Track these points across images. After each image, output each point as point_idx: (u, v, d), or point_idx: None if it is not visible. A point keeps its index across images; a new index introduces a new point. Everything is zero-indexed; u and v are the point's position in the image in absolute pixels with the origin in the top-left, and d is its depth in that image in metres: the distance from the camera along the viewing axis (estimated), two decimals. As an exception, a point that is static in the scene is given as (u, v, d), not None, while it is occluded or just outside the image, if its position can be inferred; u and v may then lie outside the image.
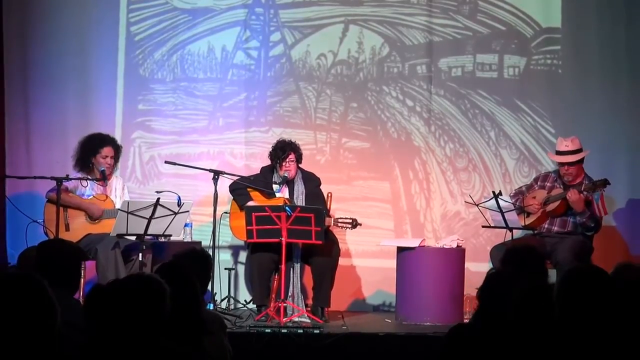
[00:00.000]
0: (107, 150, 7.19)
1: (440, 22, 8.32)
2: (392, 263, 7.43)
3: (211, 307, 7.04)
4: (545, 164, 8.13)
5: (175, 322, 3.22)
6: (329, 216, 7.26)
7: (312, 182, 7.48)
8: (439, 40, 8.33)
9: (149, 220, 6.73)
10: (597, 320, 3.21)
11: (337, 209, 7.75)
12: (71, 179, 7.05)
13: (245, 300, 7.76)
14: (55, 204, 6.84)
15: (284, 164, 7.35)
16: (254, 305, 7.36)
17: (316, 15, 8.41)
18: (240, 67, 8.41)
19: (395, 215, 8.30)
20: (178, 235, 7.17)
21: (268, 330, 6.40)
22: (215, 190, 7.20)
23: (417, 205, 8.30)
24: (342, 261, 7.47)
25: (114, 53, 8.40)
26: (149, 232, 6.81)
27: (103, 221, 7.08)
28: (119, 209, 6.84)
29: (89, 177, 7.15)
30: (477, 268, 7.74)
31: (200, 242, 7.42)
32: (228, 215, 7.55)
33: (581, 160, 7.27)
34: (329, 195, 7.62)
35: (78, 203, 7.11)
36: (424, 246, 7.36)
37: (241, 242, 7.87)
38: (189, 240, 7.47)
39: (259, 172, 7.57)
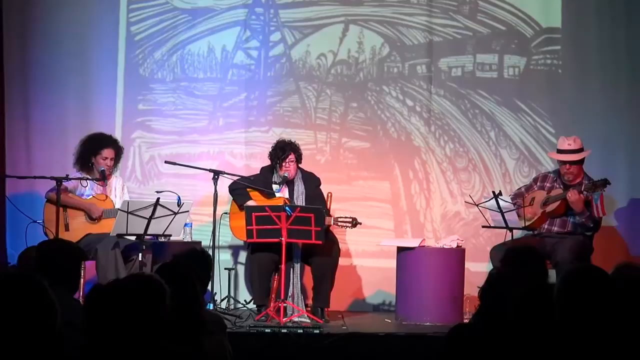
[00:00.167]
0: (107, 152, 7.19)
1: (441, 22, 8.33)
2: (392, 263, 7.43)
3: (211, 307, 7.04)
4: (545, 164, 8.14)
5: (175, 322, 3.22)
6: (329, 216, 7.26)
7: (312, 182, 7.48)
8: (439, 40, 8.33)
9: (149, 220, 6.73)
10: (597, 321, 3.21)
11: (337, 209, 7.74)
12: (71, 179, 7.05)
13: (245, 300, 7.76)
14: (54, 203, 6.84)
15: (283, 164, 7.35)
16: (254, 305, 7.37)
17: (316, 15, 8.41)
18: (240, 67, 8.41)
19: (395, 215, 8.30)
20: (178, 235, 7.17)
21: (268, 330, 6.41)
22: (215, 190, 7.21)
23: (417, 205, 8.30)
24: (342, 261, 7.47)
25: (114, 53, 8.40)
26: (149, 232, 6.81)
27: (103, 221, 7.08)
28: (118, 209, 6.84)
29: (89, 177, 7.15)
30: (477, 268, 7.75)
31: (200, 242, 7.42)
32: (228, 215, 7.55)
33: (582, 160, 7.27)
34: (329, 195, 7.62)
35: (77, 203, 7.11)
36: (424, 246, 7.36)
37: (241, 242, 7.87)
38: (189, 240, 7.47)
39: (259, 172, 7.57)
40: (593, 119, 8.15)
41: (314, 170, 7.64)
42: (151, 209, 6.72)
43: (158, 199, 6.76)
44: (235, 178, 7.46)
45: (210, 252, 6.88)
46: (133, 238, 6.96)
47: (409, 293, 7.22)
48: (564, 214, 7.25)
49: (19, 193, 7.95)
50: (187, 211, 6.96)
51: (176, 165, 7.59)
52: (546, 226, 7.33)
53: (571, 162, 7.23)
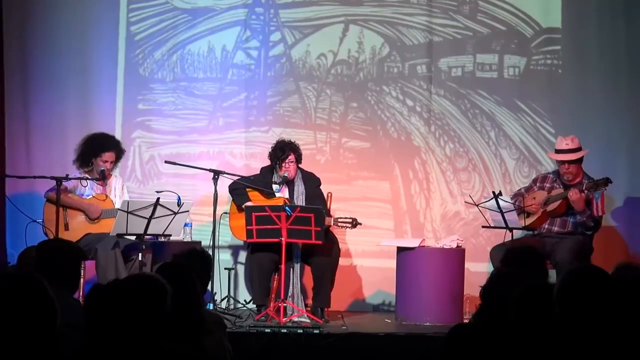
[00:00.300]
0: (107, 156, 7.18)
1: (441, 22, 8.32)
2: (392, 263, 7.42)
3: (211, 307, 7.04)
4: (545, 164, 8.14)
5: (175, 321, 3.22)
6: (329, 216, 7.26)
7: (312, 182, 7.48)
8: (439, 40, 8.33)
9: (149, 220, 6.73)
10: (597, 321, 3.21)
11: (337, 209, 7.74)
12: (71, 179, 7.05)
13: (245, 300, 7.76)
14: (54, 203, 6.84)
15: (283, 164, 7.35)
16: (254, 305, 7.36)
17: (316, 15, 8.41)
18: (240, 66, 8.41)
19: (395, 215, 8.30)
20: (178, 235, 7.17)
21: (268, 330, 6.41)
22: (215, 190, 7.20)
23: (417, 205, 8.30)
24: (342, 261, 7.47)
25: (114, 53, 8.40)
26: (149, 231, 6.82)
27: (103, 221, 7.09)
28: (118, 209, 6.85)
29: (89, 176, 7.15)
30: (477, 268, 7.75)
31: (200, 242, 7.42)
32: (228, 215, 7.55)
33: (581, 160, 7.27)
34: (329, 195, 7.62)
35: (76, 203, 7.11)
36: (424, 246, 7.36)
37: (241, 242, 7.87)
38: (189, 240, 7.47)
39: (258, 172, 7.57)
40: (593, 119, 8.14)
41: (314, 170, 7.64)
42: (151, 208, 6.73)
43: (158, 198, 6.76)
44: (235, 178, 7.46)
45: (210, 252, 6.88)
46: (133, 238, 6.96)
47: (408, 293, 7.22)
48: (565, 213, 7.25)
49: (18, 193, 7.95)
50: (187, 211, 6.96)
51: (176, 165, 7.59)
52: (546, 226, 7.33)
53: (569, 162, 7.23)
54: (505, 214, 7.10)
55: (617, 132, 8.15)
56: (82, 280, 6.52)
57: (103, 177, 7.16)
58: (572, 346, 3.20)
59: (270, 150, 7.46)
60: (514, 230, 7.13)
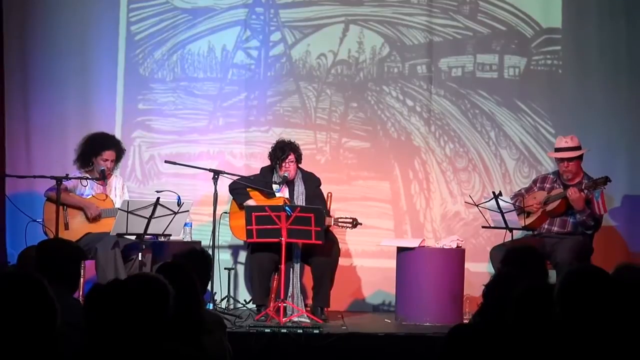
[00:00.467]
0: (108, 154, 7.18)
1: (441, 22, 8.32)
2: (392, 263, 7.42)
3: (211, 307, 7.04)
4: (545, 164, 8.14)
5: (176, 321, 3.22)
6: (329, 216, 7.26)
7: (312, 182, 7.48)
8: (439, 40, 8.33)
9: (149, 219, 6.73)
10: (598, 321, 3.21)
11: (337, 209, 7.74)
12: (71, 179, 7.05)
13: (244, 300, 7.76)
14: (54, 202, 6.84)
15: (283, 164, 7.35)
16: (254, 305, 7.36)
17: (316, 15, 8.40)
18: (240, 66, 8.41)
19: (395, 215, 8.30)
20: (178, 235, 7.17)
21: (268, 330, 6.41)
22: (215, 190, 7.20)
23: (417, 205, 8.30)
24: (342, 261, 7.47)
25: (114, 52, 8.40)
26: (149, 231, 6.82)
27: (102, 220, 7.08)
28: (118, 209, 6.84)
29: (89, 176, 7.15)
30: (477, 268, 7.75)
31: (199, 242, 7.42)
32: (228, 215, 7.55)
33: (580, 158, 7.28)
34: (329, 195, 7.62)
35: (75, 201, 7.11)
36: (424, 246, 7.36)
37: (241, 242, 7.87)
38: (189, 239, 7.47)
39: (258, 172, 7.57)
40: (593, 119, 8.14)
41: (314, 170, 7.64)
42: (151, 208, 6.73)
43: (158, 198, 6.76)
44: (235, 178, 7.46)
45: (210, 251, 6.88)
46: (133, 237, 6.96)
47: (408, 293, 7.22)
48: (565, 212, 7.25)
49: (18, 192, 7.95)
50: (187, 211, 6.96)
51: (176, 165, 7.60)
52: (546, 226, 7.33)
53: (569, 159, 7.24)
54: (505, 214, 7.10)
55: (617, 132, 8.15)
56: (82, 280, 6.52)
57: (103, 177, 7.16)
58: (572, 346, 3.20)
59: (270, 150, 7.46)
60: (514, 231, 7.12)
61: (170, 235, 6.99)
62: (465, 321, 6.71)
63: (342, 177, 8.29)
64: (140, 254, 6.81)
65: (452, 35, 8.33)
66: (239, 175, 7.53)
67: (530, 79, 8.29)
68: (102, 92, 8.33)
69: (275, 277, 7.17)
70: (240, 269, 8.10)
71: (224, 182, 7.45)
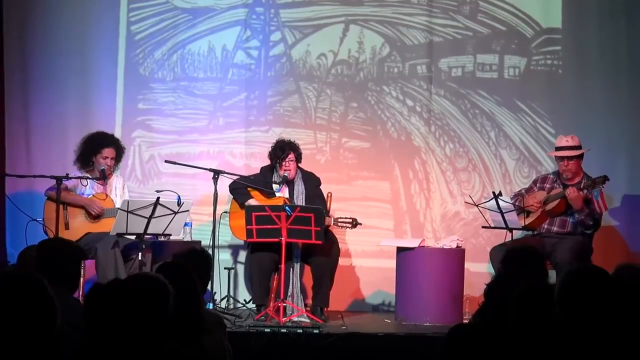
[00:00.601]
0: (107, 152, 7.19)
1: (441, 22, 8.32)
2: (392, 263, 7.42)
3: (211, 307, 7.04)
4: (545, 164, 8.14)
5: (175, 321, 3.22)
6: (329, 216, 7.26)
7: (312, 181, 7.48)
8: (440, 40, 8.33)
9: (149, 219, 6.73)
10: (598, 321, 3.21)
11: (337, 209, 7.74)
12: (71, 178, 7.05)
13: (244, 300, 7.76)
14: (54, 201, 6.84)
15: (283, 163, 7.35)
16: (254, 305, 7.37)
17: (316, 15, 8.41)
18: (240, 66, 8.41)
19: (395, 215, 8.30)
20: (178, 235, 7.17)
21: (267, 330, 6.40)
22: (215, 190, 7.20)
23: (417, 205, 8.30)
24: (341, 261, 7.47)
25: (114, 52, 8.40)
26: (149, 231, 6.82)
27: (103, 220, 7.08)
28: (118, 208, 6.85)
29: (89, 175, 7.15)
30: (477, 268, 7.75)
31: (199, 242, 7.42)
32: (228, 214, 7.55)
33: (581, 157, 7.28)
34: (329, 195, 7.62)
35: (77, 200, 7.11)
36: (424, 246, 7.36)
37: (241, 242, 7.87)
38: (189, 239, 7.47)
39: (258, 172, 7.57)
40: (593, 119, 8.14)
41: (314, 170, 7.64)
42: (151, 208, 6.73)
43: (158, 198, 6.76)
44: (235, 177, 7.46)
45: (210, 251, 6.88)
46: (133, 237, 6.96)
47: (408, 293, 7.22)
48: (564, 212, 7.25)
49: (18, 192, 7.95)
50: (187, 210, 6.96)
51: (176, 165, 7.60)
52: (546, 226, 7.34)
53: (569, 158, 7.24)
54: (505, 214, 7.10)
55: (617, 132, 8.15)
56: (82, 279, 6.52)
57: (103, 177, 7.16)
58: (573, 346, 3.20)
59: (270, 149, 7.46)
60: (513, 231, 7.12)
61: (170, 235, 6.99)
62: (465, 321, 6.71)
63: (342, 177, 8.29)
64: (140, 253, 6.81)
65: (452, 35, 8.33)
66: (239, 175, 7.53)
67: (530, 79, 8.29)
68: (102, 92, 8.33)
69: (275, 276, 7.18)
70: (240, 269, 8.10)
71: (224, 182, 7.46)
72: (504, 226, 7.10)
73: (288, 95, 8.40)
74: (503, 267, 4.70)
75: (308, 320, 6.89)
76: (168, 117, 8.39)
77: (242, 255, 8.05)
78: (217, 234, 7.28)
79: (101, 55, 8.35)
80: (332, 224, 7.20)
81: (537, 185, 7.49)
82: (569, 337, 3.21)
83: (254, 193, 7.40)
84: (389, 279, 7.64)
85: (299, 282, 7.15)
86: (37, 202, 7.44)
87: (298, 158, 7.42)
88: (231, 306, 7.63)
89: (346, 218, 7.19)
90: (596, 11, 8.21)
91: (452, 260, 7.23)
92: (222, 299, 7.59)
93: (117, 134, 7.86)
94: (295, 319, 6.87)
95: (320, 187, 7.51)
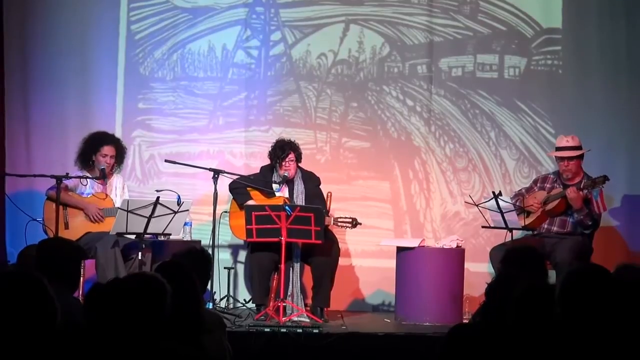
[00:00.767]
0: (107, 150, 7.19)
1: (441, 22, 8.32)
2: (392, 263, 7.42)
3: (210, 306, 7.03)
4: (545, 164, 8.14)
5: (175, 321, 3.22)
6: (329, 216, 7.26)
7: (311, 181, 7.48)
8: (440, 40, 8.33)
9: (149, 219, 6.73)
10: (599, 321, 3.21)
11: (337, 209, 7.74)
12: (71, 177, 7.05)
13: (244, 300, 7.76)
14: (54, 201, 6.84)
15: (283, 163, 7.35)
16: (254, 305, 7.37)
17: (317, 15, 8.41)
18: (240, 66, 8.41)
19: (395, 215, 8.30)
20: (177, 234, 7.17)
21: (267, 330, 6.40)
22: (215, 189, 7.20)
23: (416, 205, 8.30)
24: (341, 261, 7.47)
25: (114, 52, 8.40)
26: (149, 230, 6.82)
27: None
28: (118, 208, 6.85)
29: (89, 175, 7.15)
30: (477, 268, 7.75)
31: (199, 241, 7.42)
32: (227, 214, 7.55)
33: (581, 157, 7.28)
34: (329, 194, 7.62)
35: (76, 201, 7.11)
36: (424, 246, 7.36)
37: (240, 241, 7.87)
38: (189, 239, 7.47)
39: (258, 171, 7.57)
40: (593, 119, 8.14)
41: (313, 169, 7.64)
42: (151, 207, 6.73)
43: (158, 197, 6.76)
44: (235, 177, 7.46)
45: (209, 251, 6.88)
46: (133, 237, 6.96)
47: (408, 293, 7.22)
48: (564, 212, 7.25)
49: (18, 191, 7.96)
50: (187, 210, 6.96)
51: (176, 164, 7.60)
52: (546, 226, 7.34)
53: (569, 158, 7.24)
54: (505, 214, 7.10)
55: (617, 132, 8.15)
56: (82, 279, 6.51)
57: (103, 176, 7.16)
58: (573, 346, 3.20)
59: (270, 149, 7.46)
60: (513, 231, 7.12)
61: (170, 234, 6.99)
62: (465, 321, 6.71)
63: (342, 177, 8.29)
64: (140, 253, 6.81)
65: (452, 35, 8.33)
66: (238, 175, 7.53)
67: (531, 79, 8.29)
68: (102, 92, 8.33)
69: (275, 276, 7.18)
70: (240, 269, 8.10)
71: (224, 182, 7.45)
72: (504, 226, 7.10)
73: (288, 95, 8.40)
74: (503, 267, 4.69)
75: (308, 320, 6.89)
76: (168, 117, 8.39)
77: (242, 255, 8.06)
78: (217, 233, 7.28)
79: (101, 55, 8.35)
80: (332, 223, 7.20)
81: (538, 185, 7.49)
82: (569, 337, 3.21)
83: (253, 193, 7.40)
84: (388, 279, 7.64)
85: (298, 282, 7.15)
86: (37, 202, 7.44)
87: (298, 158, 7.42)
88: (231, 306, 7.63)
89: (346, 218, 7.19)
90: (596, 11, 8.21)
91: (452, 260, 7.23)
92: (221, 299, 7.59)
93: (117, 134, 7.86)
94: (295, 318, 6.87)
95: (320, 186, 7.51)
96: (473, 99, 8.31)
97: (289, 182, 7.42)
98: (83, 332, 3.01)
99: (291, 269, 7.12)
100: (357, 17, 8.38)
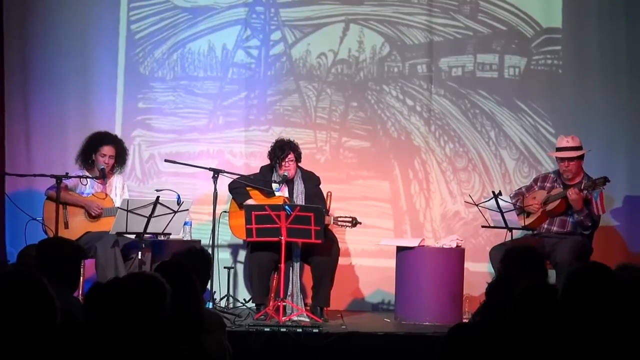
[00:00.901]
0: (106, 149, 7.20)
1: (441, 21, 8.32)
2: (392, 262, 7.43)
3: (210, 306, 7.04)
4: (545, 164, 8.14)
5: (175, 320, 3.22)
6: (329, 215, 7.26)
7: (311, 181, 7.48)
8: (440, 39, 8.33)
9: (149, 218, 6.73)
10: (600, 321, 3.21)
11: (337, 209, 7.74)
12: (71, 177, 7.05)
13: (244, 299, 7.76)
14: (54, 201, 6.84)
15: (283, 163, 7.35)
16: (253, 304, 7.37)
17: (317, 14, 8.40)
18: (240, 65, 8.41)
19: (394, 214, 8.29)
20: (177, 234, 7.17)
21: (267, 329, 6.40)
22: (215, 189, 7.20)
23: (416, 205, 8.30)
24: (341, 260, 7.47)
25: (114, 51, 8.40)
26: (149, 230, 6.82)
27: (102, 219, 7.09)
28: (118, 207, 6.85)
29: (89, 175, 7.15)
30: (477, 268, 7.75)
31: (199, 241, 7.42)
32: (227, 214, 7.55)
33: (581, 158, 7.28)
34: (329, 194, 7.62)
35: (77, 200, 7.11)
36: (424, 246, 7.36)
37: (240, 241, 7.87)
38: (188, 238, 7.48)
39: (258, 171, 7.57)
40: (593, 119, 8.14)
41: (313, 169, 7.64)
42: (151, 207, 6.73)
43: (158, 197, 6.76)
44: (235, 177, 7.46)
45: (209, 250, 6.88)
46: (132, 236, 6.96)
47: (408, 293, 7.22)
48: (564, 212, 7.25)
49: (18, 191, 7.96)
50: (187, 210, 6.96)
51: (176, 164, 7.60)
52: (546, 226, 7.34)
53: (569, 159, 7.24)
54: (505, 214, 7.10)
55: (617, 132, 8.15)
56: (82, 278, 6.51)
57: (103, 176, 7.16)
58: (574, 346, 3.20)
59: (270, 149, 7.46)
60: (513, 230, 7.12)
61: (169, 234, 6.99)
62: (465, 321, 6.71)
63: (342, 177, 8.29)
64: (140, 252, 6.81)
65: (452, 35, 8.33)
66: (238, 174, 7.53)
67: (531, 79, 8.29)
68: (102, 92, 8.33)
69: (275, 276, 7.18)
70: (240, 268, 8.11)
71: (224, 181, 7.45)
72: (504, 226, 7.10)
73: (288, 95, 8.40)
74: (503, 267, 4.69)
75: (308, 320, 6.89)
76: (168, 116, 8.39)
77: (242, 255, 8.06)
78: (216, 233, 7.28)
79: (101, 55, 8.35)
80: (331, 223, 7.20)
81: (538, 184, 7.49)
82: (570, 337, 3.21)
83: (253, 192, 7.40)
84: (388, 279, 7.64)
85: (298, 282, 7.15)
86: (36, 201, 7.44)
87: (298, 158, 7.42)
88: (231, 305, 7.63)
89: (346, 217, 7.19)
90: (596, 11, 8.21)
91: (451, 260, 7.23)
92: (221, 298, 7.59)
93: (117, 133, 7.85)
94: (295, 318, 6.87)
95: (320, 186, 7.51)
96: (473, 98, 8.31)
97: (288, 181, 7.42)
98: (83, 332, 3.01)
99: (291, 268, 7.12)
100: (357, 17, 8.38)
